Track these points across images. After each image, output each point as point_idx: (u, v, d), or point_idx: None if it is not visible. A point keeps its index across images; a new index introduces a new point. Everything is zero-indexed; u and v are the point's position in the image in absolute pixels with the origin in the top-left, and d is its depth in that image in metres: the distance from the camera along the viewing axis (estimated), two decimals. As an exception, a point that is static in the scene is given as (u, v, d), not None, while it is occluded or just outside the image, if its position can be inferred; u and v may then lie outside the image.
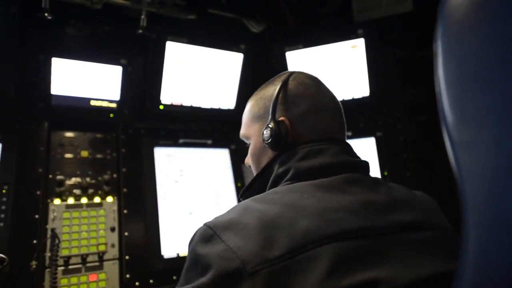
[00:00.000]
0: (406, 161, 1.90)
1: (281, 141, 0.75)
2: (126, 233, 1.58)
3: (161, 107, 1.82)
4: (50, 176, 1.57)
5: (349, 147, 0.78)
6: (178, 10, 1.72)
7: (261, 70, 2.09)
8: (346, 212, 0.60)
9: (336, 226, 0.57)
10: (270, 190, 0.70)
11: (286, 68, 1.95)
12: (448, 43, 0.39)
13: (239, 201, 0.75)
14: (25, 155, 1.53)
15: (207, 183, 1.87)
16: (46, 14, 1.46)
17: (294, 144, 0.76)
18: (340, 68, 1.91)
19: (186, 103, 1.87)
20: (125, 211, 1.62)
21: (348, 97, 1.92)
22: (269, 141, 0.76)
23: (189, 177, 1.84)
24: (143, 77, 1.81)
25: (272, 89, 0.81)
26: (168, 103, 1.83)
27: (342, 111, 0.83)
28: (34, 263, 1.37)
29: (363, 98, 1.90)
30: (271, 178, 0.76)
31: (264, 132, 0.77)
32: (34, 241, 1.41)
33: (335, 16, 2.07)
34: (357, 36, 1.86)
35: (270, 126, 0.76)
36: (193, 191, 1.82)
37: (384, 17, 1.87)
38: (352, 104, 1.91)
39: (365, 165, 0.76)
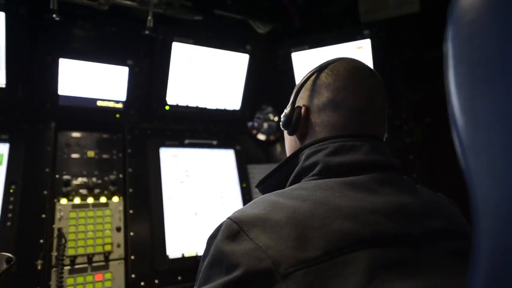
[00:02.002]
0: (412, 162, 1.89)
1: (288, 126, 0.76)
2: (131, 233, 1.59)
3: (167, 107, 1.82)
4: (57, 176, 1.58)
5: (382, 145, 0.73)
6: (184, 11, 1.73)
7: (267, 71, 2.09)
8: (381, 215, 0.57)
9: (371, 230, 0.55)
10: (296, 185, 0.66)
11: (291, 70, 1.94)
12: (458, 45, 0.38)
13: (242, 192, 0.73)
14: (32, 155, 1.54)
15: (212, 183, 1.87)
16: (54, 15, 1.47)
17: (310, 134, 0.74)
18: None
19: (192, 103, 1.88)
20: (130, 211, 1.63)
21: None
22: (281, 124, 0.77)
23: (194, 177, 1.84)
24: (149, 77, 1.82)
25: (309, 73, 0.78)
26: (174, 103, 1.84)
27: (381, 109, 0.76)
28: (40, 262, 1.38)
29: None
30: (296, 170, 0.71)
31: (282, 115, 0.78)
32: (41, 241, 1.42)
33: (341, 17, 2.06)
34: (363, 37, 1.85)
35: (286, 110, 0.77)
36: (198, 191, 1.82)
37: (391, 18, 1.85)
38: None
39: (396, 165, 0.72)
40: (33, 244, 1.41)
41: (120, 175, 1.70)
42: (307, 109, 0.75)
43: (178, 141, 1.88)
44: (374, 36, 1.84)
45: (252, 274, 0.52)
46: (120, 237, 1.56)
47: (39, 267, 1.36)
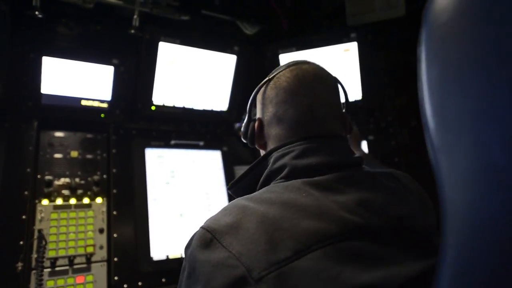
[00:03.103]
0: (397, 164, 1.91)
1: (247, 137, 0.81)
2: (115, 235, 1.56)
3: (153, 108, 1.81)
4: (39, 176, 1.54)
5: (344, 142, 0.77)
6: (171, 11, 1.71)
7: (254, 73, 2.08)
8: (345, 211, 0.60)
9: (337, 226, 0.57)
10: (265, 189, 0.69)
11: (279, 71, 1.95)
12: (431, 48, 0.39)
13: (228, 195, 0.75)
14: (13, 154, 1.51)
15: (198, 185, 1.86)
16: (36, 13, 1.45)
17: (268, 144, 0.78)
18: (333, 71, 1.90)
19: (179, 104, 1.86)
20: (114, 213, 1.60)
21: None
22: (243, 136, 0.83)
23: (180, 178, 1.83)
24: (135, 77, 1.80)
25: (260, 85, 0.83)
26: (160, 104, 1.82)
27: (339, 107, 0.80)
28: (20, 264, 1.35)
29: (355, 102, 1.90)
30: (265, 173, 0.74)
31: (242, 128, 0.84)
32: (21, 242, 1.39)
33: (329, 20, 2.08)
34: (350, 40, 1.87)
35: (243, 122, 0.83)
36: (184, 193, 1.81)
37: (377, 21, 1.87)
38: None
39: (358, 161, 0.75)
40: (13, 246, 1.37)
41: (104, 176, 1.67)
42: (261, 122, 0.80)
43: (164, 142, 1.86)
44: (361, 39, 1.86)
45: (227, 282, 0.53)
46: (103, 239, 1.54)
47: (19, 269, 1.33)
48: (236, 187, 0.80)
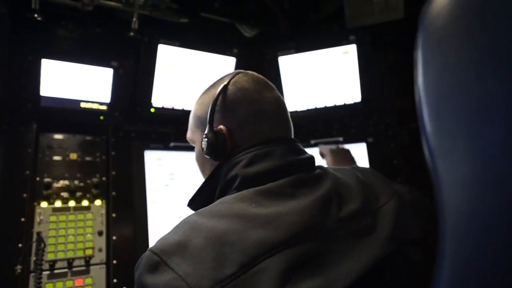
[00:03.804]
0: (397, 167, 1.91)
1: (218, 151, 0.73)
2: (114, 237, 1.56)
3: (152, 110, 1.81)
4: (38, 178, 1.54)
5: (294, 144, 0.75)
6: (170, 13, 1.72)
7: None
8: (296, 215, 0.59)
9: (285, 232, 0.56)
10: (218, 201, 0.67)
11: (278, 73, 1.95)
12: (428, 52, 0.39)
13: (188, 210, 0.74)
14: (12, 157, 1.51)
15: (197, 187, 1.85)
16: (36, 15, 1.45)
17: (235, 151, 0.72)
18: (332, 73, 1.92)
19: (178, 106, 1.86)
20: (113, 215, 1.60)
21: (339, 102, 1.92)
22: (207, 151, 0.74)
23: (179, 181, 1.83)
24: (135, 79, 1.80)
25: (212, 94, 0.77)
26: (159, 106, 1.82)
27: (287, 113, 0.80)
28: (19, 267, 1.34)
29: (355, 104, 1.90)
30: (219, 187, 0.72)
31: (202, 142, 0.75)
32: (20, 245, 1.38)
33: (328, 22, 2.08)
34: (349, 42, 1.87)
35: (207, 135, 0.73)
36: (183, 195, 1.80)
37: (376, 24, 1.88)
38: (344, 110, 1.92)
39: (309, 162, 0.74)
40: (12, 248, 1.37)
41: (103, 178, 1.67)
42: (228, 129, 0.74)
43: (163, 144, 1.86)
44: (360, 41, 1.86)
45: None
46: (102, 241, 1.54)
47: (17, 272, 1.33)
48: (194, 203, 0.78)
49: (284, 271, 0.51)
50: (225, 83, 0.76)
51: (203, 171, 0.84)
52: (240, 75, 0.79)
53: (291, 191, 0.64)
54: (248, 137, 0.73)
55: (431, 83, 0.37)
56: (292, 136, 0.80)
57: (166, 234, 0.62)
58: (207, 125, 0.74)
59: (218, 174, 0.73)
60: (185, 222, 0.62)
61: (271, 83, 0.81)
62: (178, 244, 0.57)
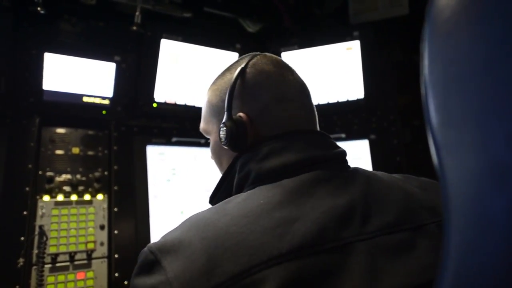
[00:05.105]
0: (399, 164, 1.91)
1: (238, 142, 0.66)
2: (116, 231, 1.56)
3: (155, 105, 1.80)
4: (40, 172, 1.55)
5: (319, 136, 0.67)
6: (173, 8, 1.71)
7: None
8: (306, 222, 0.51)
9: (289, 242, 0.48)
10: (229, 198, 0.60)
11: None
12: (434, 44, 0.38)
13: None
14: (15, 150, 1.51)
15: (199, 182, 1.86)
16: (39, 9, 1.45)
17: (256, 141, 0.66)
18: (335, 69, 1.91)
19: (180, 101, 1.86)
20: (115, 209, 1.60)
21: (342, 99, 1.91)
22: (226, 142, 0.67)
23: (181, 176, 1.83)
24: (137, 74, 1.80)
25: (228, 79, 0.71)
26: (162, 101, 1.82)
27: (310, 98, 0.73)
28: (21, 260, 1.35)
29: (358, 100, 1.90)
30: (235, 182, 0.66)
31: (220, 132, 0.67)
32: (22, 238, 1.39)
33: (332, 18, 2.07)
34: (352, 38, 1.86)
35: (225, 124, 0.66)
36: (185, 190, 1.81)
37: (380, 20, 1.87)
38: (347, 106, 1.91)
39: (338, 158, 0.65)
40: (14, 241, 1.38)
41: (105, 173, 1.67)
42: (248, 116, 0.67)
43: (166, 139, 1.86)
44: (363, 37, 1.85)
45: None
46: (103, 235, 1.54)
47: (20, 265, 1.34)
48: (215, 200, 0.73)
49: (281, 287, 0.45)
50: (243, 65, 0.69)
51: (220, 164, 0.76)
52: (258, 57, 0.71)
53: (308, 190, 0.56)
54: (271, 124, 0.66)
55: (438, 76, 0.37)
56: (317, 127, 0.72)
57: (173, 229, 0.58)
58: (225, 113, 0.67)
59: (234, 168, 0.67)
60: (190, 218, 0.58)
61: (291, 66, 0.74)
62: (174, 241, 0.52)
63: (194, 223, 0.54)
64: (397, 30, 1.99)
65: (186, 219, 0.58)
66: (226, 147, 0.68)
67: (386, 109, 1.97)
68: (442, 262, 0.35)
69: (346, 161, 0.67)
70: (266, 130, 0.66)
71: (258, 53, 0.74)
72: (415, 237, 0.54)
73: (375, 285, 0.48)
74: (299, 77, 0.73)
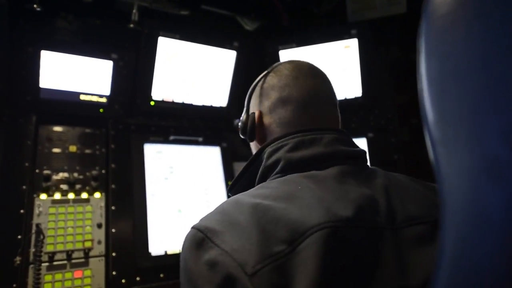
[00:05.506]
0: (397, 162, 1.91)
1: (250, 133, 0.78)
2: (113, 230, 1.56)
3: (152, 103, 1.80)
4: (37, 170, 1.54)
5: (344, 135, 0.73)
6: (171, 6, 1.70)
7: (254, 68, 2.07)
8: (344, 202, 0.56)
9: (333, 214, 0.54)
10: (259, 185, 0.66)
11: (279, 67, 1.94)
12: (430, 40, 0.38)
13: (228, 197, 0.73)
14: (12, 149, 1.50)
15: (197, 180, 1.86)
16: (35, 6, 1.44)
17: (268, 136, 0.76)
18: (333, 68, 1.91)
19: (178, 99, 1.86)
20: (112, 208, 1.60)
21: (340, 97, 1.89)
22: (241, 132, 0.81)
23: (179, 174, 1.82)
24: (134, 72, 1.79)
25: (255, 81, 0.83)
26: (159, 99, 1.81)
27: (330, 102, 0.79)
28: (18, 258, 1.34)
29: (356, 99, 1.90)
30: (260, 170, 0.71)
31: (239, 124, 0.83)
32: (19, 237, 1.38)
33: (330, 16, 2.07)
34: (350, 36, 1.86)
35: (241, 118, 0.82)
36: (182, 188, 1.80)
37: (378, 18, 1.86)
38: (344, 105, 1.90)
39: (361, 155, 0.71)
40: (11, 240, 1.37)
41: (103, 171, 1.67)
42: (260, 113, 0.78)
43: (163, 137, 1.86)
44: (361, 35, 1.85)
45: (221, 281, 0.51)
46: (101, 234, 1.54)
47: (17, 263, 1.33)
48: (235, 188, 0.78)
49: (327, 247, 0.50)
50: (269, 70, 0.81)
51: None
52: (286, 62, 0.81)
53: (339, 179, 0.61)
54: (275, 122, 0.75)
55: (434, 71, 0.37)
56: (340, 126, 0.79)
57: (209, 213, 0.62)
58: (244, 109, 0.83)
59: (260, 157, 0.73)
60: (228, 201, 0.62)
61: (320, 72, 0.81)
62: (222, 221, 0.56)
63: (236, 206, 0.59)
64: (395, 29, 1.99)
65: (224, 203, 0.62)
66: (242, 137, 0.82)
67: (384, 107, 1.97)
68: (438, 259, 0.34)
69: (366, 160, 0.73)
70: (272, 126, 0.76)
71: (293, 60, 0.82)
72: (434, 230, 0.58)
73: (403, 272, 0.52)
74: (319, 82, 0.78)
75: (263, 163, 0.71)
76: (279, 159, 0.68)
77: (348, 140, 0.73)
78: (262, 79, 0.80)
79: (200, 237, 0.56)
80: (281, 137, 0.71)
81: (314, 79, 0.78)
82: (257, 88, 0.81)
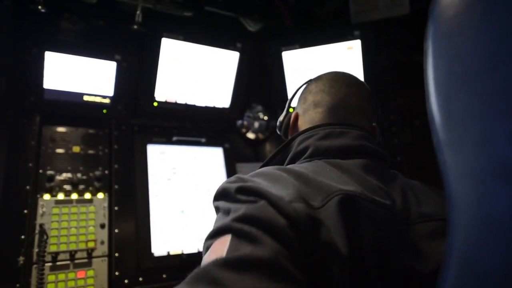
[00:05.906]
0: (399, 163, 1.90)
1: (284, 131, 0.90)
2: (116, 230, 1.56)
3: (155, 104, 1.80)
4: (41, 171, 1.55)
5: (370, 135, 0.78)
6: (174, 7, 1.71)
7: (257, 69, 2.08)
8: (362, 184, 0.61)
9: (357, 187, 0.60)
10: (289, 166, 0.70)
11: (282, 68, 1.94)
12: (438, 42, 0.38)
13: None
14: (16, 149, 1.51)
15: (200, 181, 1.86)
16: (39, 7, 1.44)
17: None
18: (336, 69, 1.90)
19: (181, 100, 1.86)
20: (116, 208, 1.60)
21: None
22: (277, 128, 0.93)
23: (181, 175, 1.83)
24: (138, 73, 1.80)
25: (300, 85, 0.95)
26: (163, 100, 1.82)
27: (359, 109, 0.82)
28: (21, 258, 1.35)
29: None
30: (289, 156, 0.77)
31: (277, 123, 0.94)
32: (22, 237, 1.39)
33: (333, 18, 2.07)
34: (353, 38, 1.86)
35: (280, 117, 0.92)
36: (185, 189, 1.80)
37: (381, 19, 1.86)
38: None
39: (384, 155, 0.76)
40: (14, 240, 1.37)
41: (106, 171, 1.67)
42: (297, 114, 0.87)
43: (166, 138, 1.86)
44: (364, 37, 1.85)
45: (268, 203, 0.53)
46: (104, 234, 1.54)
47: (20, 263, 1.33)
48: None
49: (349, 210, 0.55)
50: (312, 78, 0.90)
51: None
52: (330, 72, 0.89)
53: (359, 171, 0.66)
54: (306, 122, 0.83)
55: (441, 74, 0.37)
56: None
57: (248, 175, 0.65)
58: (285, 108, 0.93)
59: (292, 143, 0.79)
60: (262, 170, 0.66)
61: (358, 83, 0.86)
62: (262, 172, 0.62)
63: (273, 171, 0.63)
64: (397, 30, 1.98)
65: (258, 170, 0.67)
66: (279, 133, 0.93)
67: (386, 109, 1.97)
68: (445, 261, 0.35)
69: (388, 162, 0.78)
70: (304, 126, 0.83)
71: (339, 71, 0.90)
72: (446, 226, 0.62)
73: (419, 258, 0.57)
74: (352, 90, 0.83)
75: (293, 150, 0.77)
76: (308, 145, 0.74)
77: (373, 140, 0.78)
78: (305, 84, 0.90)
79: (244, 178, 0.60)
80: (313, 127, 0.77)
81: (348, 88, 0.83)
82: (299, 92, 0.91)
